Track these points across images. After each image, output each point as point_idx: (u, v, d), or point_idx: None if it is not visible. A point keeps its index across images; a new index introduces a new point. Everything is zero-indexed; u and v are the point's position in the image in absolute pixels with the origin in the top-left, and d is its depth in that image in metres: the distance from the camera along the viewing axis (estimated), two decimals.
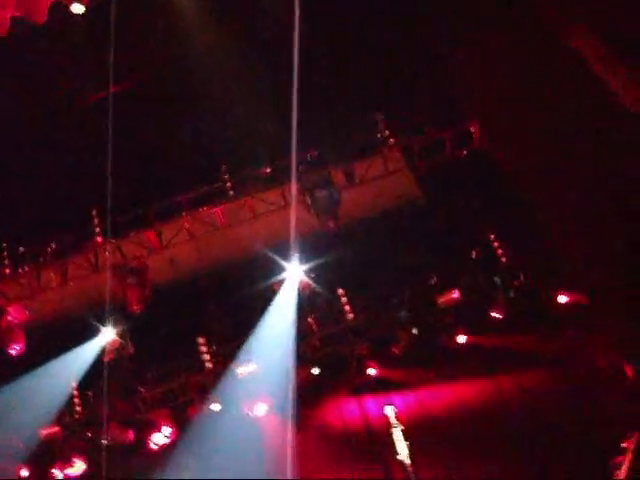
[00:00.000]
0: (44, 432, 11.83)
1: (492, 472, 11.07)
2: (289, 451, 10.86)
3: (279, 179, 11.05)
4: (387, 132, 11.29)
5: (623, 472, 8.06)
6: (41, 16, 10.03)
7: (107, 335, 11.45)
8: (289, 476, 10.67)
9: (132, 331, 11.49)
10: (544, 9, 11.10)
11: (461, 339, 11.56)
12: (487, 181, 11.35)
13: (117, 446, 11.79)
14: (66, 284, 11.47)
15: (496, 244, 11.65)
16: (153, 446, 11.77)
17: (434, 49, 11.36)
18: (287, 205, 11.04)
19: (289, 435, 10.98)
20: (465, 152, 11.58)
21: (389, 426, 8.13)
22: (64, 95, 11.03)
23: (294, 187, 10.42)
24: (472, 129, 11.53)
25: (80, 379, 11.61)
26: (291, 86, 9.14)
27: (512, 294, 11.49)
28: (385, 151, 11.21)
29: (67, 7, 10.04)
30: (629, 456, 8.10)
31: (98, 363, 11.50)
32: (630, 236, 9.79)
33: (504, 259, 11.58)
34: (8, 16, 10.17)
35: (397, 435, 8.22)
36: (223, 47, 10.34)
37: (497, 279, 11.48)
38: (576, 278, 11.39)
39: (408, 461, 7.94)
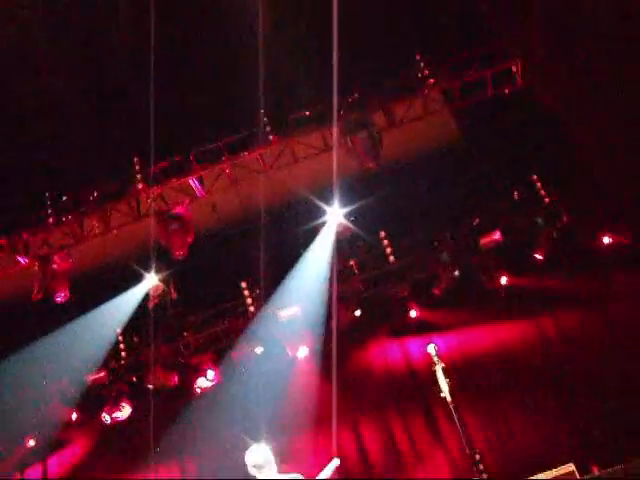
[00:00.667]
0: (91, 377, 12.21)
1: (532, 411, 11.25)
2: (332, 392, 11.07)
3: (319, 122, 11.01)
4: (426, 72, 11.15)
5: None
6: None
7: (151, 281, 11.64)
8: (333, 417, 10.90)
9: (175, 277, 11.70)
10: None
11: (503, 280, 11.60)
12: (529, 121, 11.21)
13: (162, 390, 12.19)
14: (109, 232, 11.55)
15: (538, 184, 11.59)
16: (197, 390, 12.08)
17: None
18: (327, 148, 11.02)
19: (332, 376, 11.18)
20: (506, 91, 11.45)
21: (431, 364, 8.16)
22: (103, 38, 11.02)
23: (335, 129, 10.35)
24: (513, 68, 11.37)
25: (125, 324, 11.88)
26: (331, 29, 9.14)
27: (555, 235, 11.48)
28: (425, 91, 11.07)
29: None
30: None
31: (142, 308, 11.78)
32: None
33: (546, 199, 11.54)
34: None
35: (439, 373, 8.24)
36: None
37: (539, 220, 11.43)
38: (621, 218, 11.33)
39: (450, 398, 7.98)
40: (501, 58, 11.31)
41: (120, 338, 12.07)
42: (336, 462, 6.88)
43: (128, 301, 11.76)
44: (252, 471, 6.74)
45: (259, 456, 6.72)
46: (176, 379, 12.12)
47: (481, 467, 11.00)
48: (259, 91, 11.19)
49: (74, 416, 12.41)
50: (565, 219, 11.47)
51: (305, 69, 10.91)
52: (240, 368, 11.76)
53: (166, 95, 10.72)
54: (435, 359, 8.16)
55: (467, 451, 6.99)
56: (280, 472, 6.79)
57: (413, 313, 11.63)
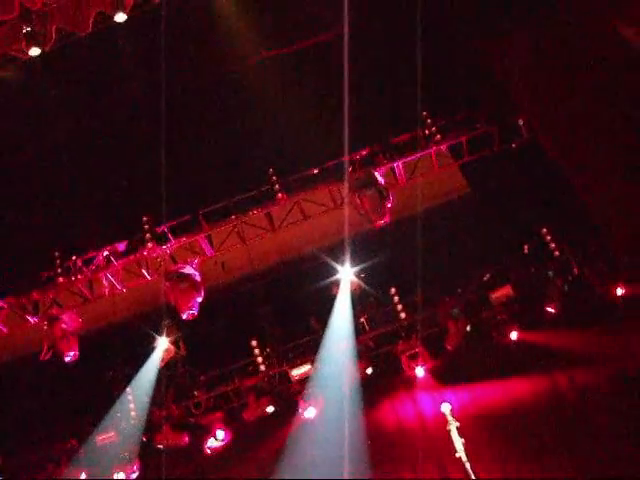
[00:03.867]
0: (100, 438, 12.30)
1: (548, 469, 11.23)
2: (345, 452, 11.12)
3: (327, 180, 11.28)
4: (433, 128, 11.44)
5: None
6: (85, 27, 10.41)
7: (161, 342, 11.83)
8: (346, 476, 10.92)
9: (185, 336, 11.85)
10: None
11: (513, 335, 11.70)
12: (538, 174, 11.46)
13: (172, 450, 12.28)
14: (118, 291, 11.80)
15: (548, 237, 11.77)
16: (208, 450, 12.15)
17: (479, 42, 11.48)
18: (336, 206, 11.28)
19: (345, 435, 11.23)
20: (513, 145, 11.69)
21: (445, 423, 8.26)
22: (112, 100, 11.35)
23: (347, 187, 10.59)
24: (520, 122, 11.63)
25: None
26: (341, 88, 9.43)
27: (566, 288, 11.63)
28: (432, 147, 11.35)
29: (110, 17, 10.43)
30: None
31: (152, 368, 11.92)
32: None
33: (557, 252, 11.71)
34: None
35: (454, 432, 8.34)
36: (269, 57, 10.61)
37: (550, 273, 11.60)
38: (633, 269, 11.45)
39: (465, 458, 8.06)
40: (507, 113, 11.64)
41: (129, 397, 12.20)
42: None
43: (138, 361, 11.97)
44: None
45: None
46: (186, 439, 12.22)
47: None
48: (267, 150, 11.54)
49: (83, 476, 12.51)
50: (576, 271, 11.64)
51: (312, 127, 11.21)
52: (250, 429, 11.85)
53: (175, 155, 11.07)
54: (449, 418, 8.25)
55: None
56: None
57: (420, 372, 11.68)
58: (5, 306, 11.95)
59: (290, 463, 11.05)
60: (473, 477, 8.17)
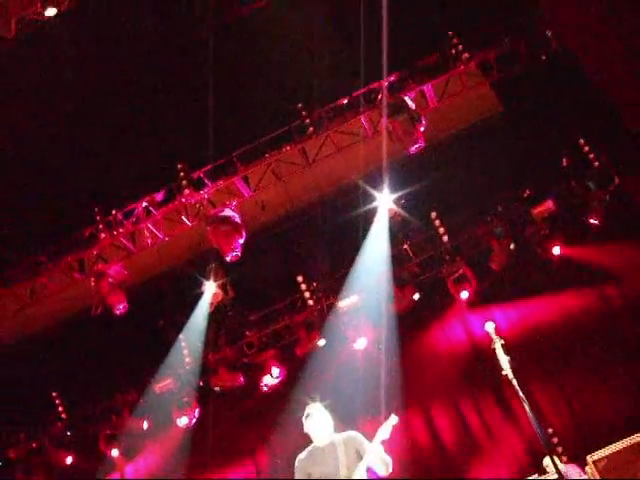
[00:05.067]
0: (158, 386, 12.63)
1: (600, 383, 11.30)
2: (399, 378, 11.28)
3: (357, 109, 11.23)
4: (460, 47, 11.29)
5: None
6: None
7: (208, 286, 12.03)
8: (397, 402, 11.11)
9: (231, 278, 12.03)
10: None
11: (556, 250, 11.68)
12: (570, 85, 11.27)
13: (228, 391, 12.58)
14: (161, 240, 11.96)
15: (586, 148, 11.66)
16: (264, 388, 12.43)
17: None
18: (368, 135, 11.25)
19: (395, 363, 11.40)
20: (543, 57, 11.50)
21: (491, 342, 8.30)
22: (138, 50, 11.35)
23: (385, 112, 10.52)
24: (548, 33, 11.42)
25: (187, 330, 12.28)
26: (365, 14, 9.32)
27: (608, 198, 11.55)
28: (461, 67, 11.22)
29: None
30: None
31: (202, 312, 12.15)
32: None
33: (596, 163, 11.61)
34: None
35: (499, 350, 8.37)
36: None
37: (591, 184, 11.51)
38: None
39: (512, 376, 8.09)
40: (535, 25, 11.42)
41: (183, 344, 12.48)
42: (394, 419, 6.97)
43: (188, 307, 12.20)
44: (306, 428, 6.91)
45: (312, 407, 6.92)
46: (242, 379, 12.49)
47: (555, 441, 11.21)
48: (295, 84, 11.51)
49: (145, 425, 12.91)
50: (617, 181, 11.53)
51: (338, 58, 11.14)
52: (305, 363, 12.07)
53: (203, 99, 11.07)
54: (494, 337, 8.29)
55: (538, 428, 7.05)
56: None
57: (464, 295, 11.73)
58: (52, 266, 12.27)
59: (344, 391, 11.24)
60: (521, 394, 8.21)
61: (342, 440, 6.87)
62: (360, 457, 6.74)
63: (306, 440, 6.98)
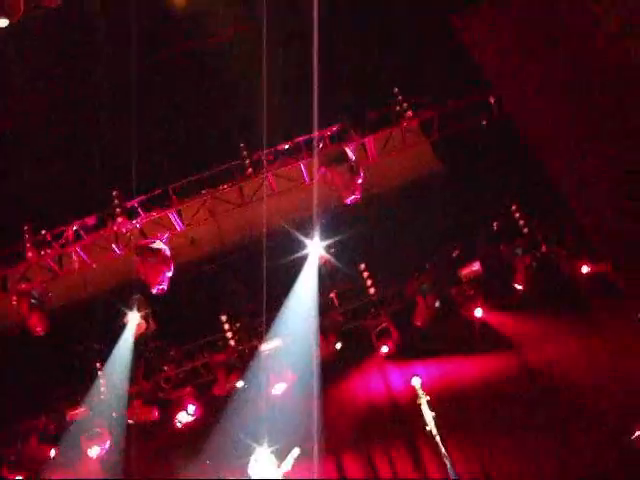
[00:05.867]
0: (70, 413, 12.37)
1: (519, 444, 11.43)
2: (315, 427, 11.26)
3: (298, 155, 11.35)
4: (405, 105, 11.54)
5: None
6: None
7: (131, 317, 11.89)
8: (316, 452, 11.07)
9: (155, 311, 11.92)
10: None
11: (478, 312, 11.92)
12: (508, 151, 11.60)
13: (142, 424, 12.37)
14: (88, 266, 11.82)
15: (517, 215, 12.00)
16: (178, 424, 12.27)
17: (450, 17, 11.55)
18: (307, 181, 11.36)
19: (315, 411, 11.37)
20: (484, 122, 11.81)
21: (416, 397, 8.39)
22: (81, 75, 11.32)
23: (316, 162, 10.68)
24: (491, 99, 11.74)
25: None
26: (310, 63, 9.46)
27: (534, 265, 11.84)
28: (403, 124, 11.46)
29: None
30: None
31: (122, 342, 11.98)
32: None
33: (525, 229, 11.91)
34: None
35: (424, 406, 8.46)
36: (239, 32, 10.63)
37: (519, 250, 11.80)
38: (599, 248, 11.64)
39: (435, 432, 8.19)
40: (478, 90, 11.74)
41: (100, 372, 12.27)
42: (296, 452, 6.98)
43: (109, 336, 12.03)
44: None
45: (260, 453, 6.82)
46: (156, 413, 12.33)
47: None
48: (239, 125, 11.58)
49: (53, 453, 12.58)
50: (544, 249, 11.85)
51: (284, 102, 11.25)
52: (221, 403, 11.96)
53: (146, 129, 11.06)
54: (420, 392, 8.36)
55: None
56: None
57: (385, 349, 11.87)
58: None
59: (259, 434, 11.18)
60: (443, 451, 8.31)
61: None
62: None
63: None
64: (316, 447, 11.18)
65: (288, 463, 6.96)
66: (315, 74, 9.55)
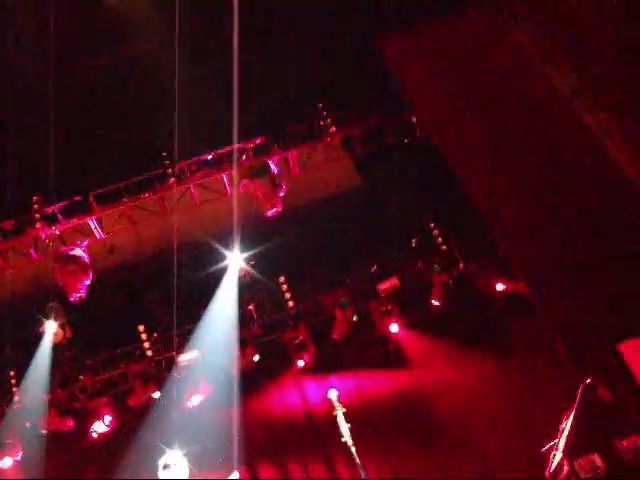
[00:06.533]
0: None
1: (430, 457, 11.61)
2: (234, 439, 11.25)
3: (220, 166, 11.43)
4: (328, 120, 11.72)
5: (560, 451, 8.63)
6: None
7: (49, 325, 11.71)
8: (234, 464, 11.07)
9: (72, 319, 11.78)
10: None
11: (394, 328, 12.09)
12: (427, 170, 11.86)
13: (55, 434, 12.17)
14: (5, 271, 11.68)
15: (436, 232, 12.26)
16: (93, 434, 12.12)
17: (375, 37, 11.79)
18: (228, 193, 11.42)
19: (231, 422, 11.37)
20: (406, 141, 12.06)
21: (332, 409, 8.47)
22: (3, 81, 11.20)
23: (236, 174, 10.76)
24: (413, 118, 12.01)
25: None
26: (231, 74, 9.56)
27: (451, 282, 12.10)
28: (326, 139, 11.64)
29: None
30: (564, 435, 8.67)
31: (36, 350, 11.80)
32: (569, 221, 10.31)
33: (444, 247, 12.18)
34: None
35: (340, 418, 8.56)
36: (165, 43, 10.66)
37: (436, 266, 12.05)
38: (514, 266, 11.96)
39: (351, 443, 8.29)
40: (401, 109, 12.00)
41: (13, 381, 12.06)
42: (236, 475, 6.92)
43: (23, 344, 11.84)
44: (162, 473, 6.62)
45: (172, 456, 6.65)
46: (71, 423, 12.17)
47: None
48: (162, 133, 11.57)
49: None
50: (461, 266, 12.12)
51: (209, 113, 11.31)
52: (136, 413, 11.87)
53: (69, 134, 11.00)
54: (336, 404, 8.46)
55: None
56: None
57: (300, 363, 12.00)
58: None
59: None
60: (358, 461, 8.41)
61: None
62: None
63: None
64: (231, 458, 11.24)
65: None
66: (236, 85, 9.68)
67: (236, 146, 11.06)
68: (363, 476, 7.94)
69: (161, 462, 6.76)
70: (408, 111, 12.07)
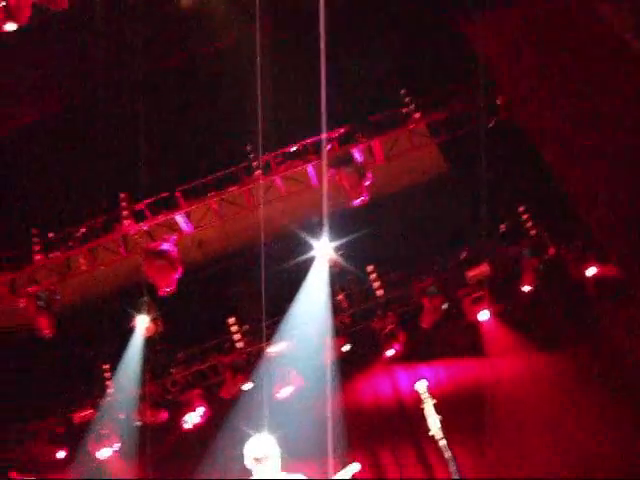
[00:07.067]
0: (78, 415, 12.41)
1: (521, 453, 11.41)
2: (326, 429, 11.25)
3: (305, 157, 11.38)
4: (412, 106, 11.56)
5: None
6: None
7: (141, 320, 11.93)
8: (330, 455, 11.06)
9: (162, 313, 11.96)
10: None
11: (484, 315, 11.95)
12: (515, 153, 11.62)
13: (150, 427, 12.41)
14: (96, 269, 11.88)
15: (525, 216, 12.01)
16: (187, 426, 12.33)
17: (459, 19, 11.55)
18: (314, 183, 11.39)
19: (325, 412, 11.36)
20: (492, 124, 11.81)
21: (420, 402, 8.32)
22: (88, 79, 11.37)
23: (324, 164, 10.70)
24: (498, 101, 11.75)
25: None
26: (318, 64, 9.48)
27: (542, 267, 11.86)
28: (410, 125, 11.48)
29: None
30: None
31: (129, 345, 12.04)
32: None
33: (533, 231, 11.92)
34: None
35: (429, 410, 8.40)
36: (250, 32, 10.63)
37: (526, 252, 11.81)
38: (607, 250, 11.63)
39: (440, 436, 8.10)
40: (486, 92, 11.73)
41: (107, 374, 12.32)
42: (356, 466, 6.64)
43: (116, 338, 12.07)
44: (250, 464, 6.20)
45: (260, 448, 6.20)
46: (165, 415, 12.40)
47: None
48: (246, 127, 11.58)
49: (61, 455, 12.64)
50: (552, 251, 11.84)
51: (292, 104, 11.28)
52: (229, 404, 12.00)
53: (155, 130, 11.10)
54: (424, 396, 8.33)
55: None
56: (283, 470, 6.40)
57: (390, 352, 11.93)
58: None
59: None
60: (447, 455, 8.21)
61: None
62: None
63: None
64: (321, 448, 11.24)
65: (346, 474, 6.56)
66: (323, 75, 9.60)
67: (323, 136, 11.00)
68: (454, 469, 7.72)
69: (253, 452, 6.36)
70: (492, 93, 11.85)
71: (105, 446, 12.24)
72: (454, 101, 11.71)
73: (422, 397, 7.98)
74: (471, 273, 11.72)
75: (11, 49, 10.91)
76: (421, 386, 8.09)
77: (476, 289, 11.76)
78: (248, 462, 6.24)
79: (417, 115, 11.55)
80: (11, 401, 12.49)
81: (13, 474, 12.38)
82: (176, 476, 12.37)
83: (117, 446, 12.32)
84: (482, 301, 11.81)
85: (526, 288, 11.83)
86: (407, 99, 11.58)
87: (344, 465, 11.70)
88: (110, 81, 11.55)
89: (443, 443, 7.88)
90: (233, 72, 11.47)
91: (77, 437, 12.46)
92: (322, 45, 9.32)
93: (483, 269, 11.69)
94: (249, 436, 7.08)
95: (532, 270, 11.77)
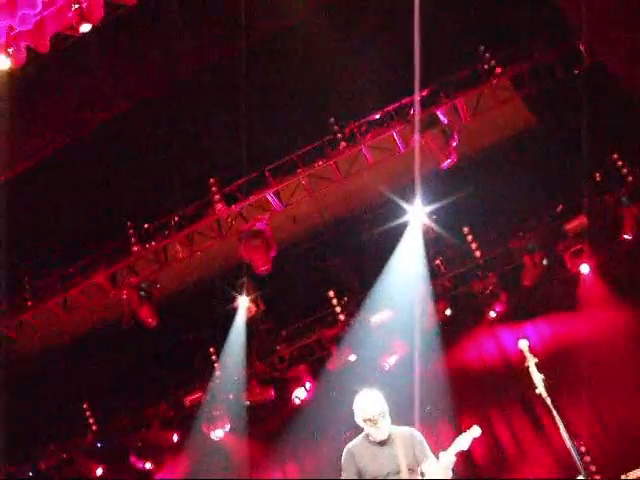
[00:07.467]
0: (188, 399, 12.73)
1: (632, 402, 11.19)
2: (432, 392, 11.24)
3: (389, 124, 11.28)
4: (492, 61, 11.31)
5: None
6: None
7: (240, 301, 12.16)
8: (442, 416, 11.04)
9: (263, 292, 12.12)
10: None
11: (585, 269, 11.66)
12: (604, 99, 11.24)
13: (259, 405, 12.68)
14: (193, 255, 12.11)
15: (620, 163, 11.66)
16: (296, 401, 12.56)
17: None
18: (400, 149, 11.29)
19: (434, 377, 11.36)
20: (576, 72, 11.48)
21: (524, 360, 8.23)
22: (171, 64, 11.46)
23: (417, 125, 10.58)
24: (581, 47, 11.40)
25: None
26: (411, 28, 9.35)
27: None
28: (493, 81, 11.25)
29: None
30: None
31: (233, 326, 12.25)
32: None
33: (630, 178, 11.57)
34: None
35: (532, 368, 8.30)
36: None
37: (624, 199, 11.48)
38: None
39: (545, 394, 7.99)
40: (568, 39, 11.41)
41: (213, 357, 12.58)
42: (477, 431, 6.46)
43: (219, 321, 12.29)
44: (361, 423, 5.92)
45: (374, 408, 5.87)
46: (272, 393, 12.62)
47: (588, 459, 11.12)
48: (327, 99, 11.56)
49: (175, 438, 13.00)
50: None
51: (370, 73, 11.18)
52: (335, 377, 12.11)
53: (237, 114, 11.15)
54: (527, 355, 8.24)
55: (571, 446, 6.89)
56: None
57: (492, 313, 11.84)
58: (83, 278, 12.37)
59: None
60: (555, 413, 8.09)
61: (402, 437, 6.02)
62: (416, 460, 5.96)
63: (338, 455, 6.21)
64: (432, 414, 11.24)
65: (465, 441, 6.37)
66: (416, 35, 9.43)
67: (405, 100, 10.90)
68: (561, 427, 7.54)
69: (365, 412, 6.21)
70: (574, 40, 11.50)
71: (218, 427, 12.63)
72: (535, 52, 11.49)
73: (525, 356, 7.90)
74: (569, 226, 11.47)
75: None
76: (523, 345, 8.01)
77: (575, 242, 11.53)
78: (360, 421, 6.00)
79: (499, 69, 11.30)
80: (123, 390, 12.95)
81: (133, 459, 12.86)
82: (288, 451, 12.66)
83: (228, 426, 12.73)
84: (582, 253, 11.58)
85: (627, 236, 11.53)
86: (487, 54, 11.37)
87: (458, 430, 11.80)
88: (192, 69, 11.65)
89: (549, 401, 7.81)
90: (311, 46, 11.43)
91: (188, 420, 12.90)
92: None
93: (581, 220, 11.43)
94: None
95: (632, 217, 11.43)
